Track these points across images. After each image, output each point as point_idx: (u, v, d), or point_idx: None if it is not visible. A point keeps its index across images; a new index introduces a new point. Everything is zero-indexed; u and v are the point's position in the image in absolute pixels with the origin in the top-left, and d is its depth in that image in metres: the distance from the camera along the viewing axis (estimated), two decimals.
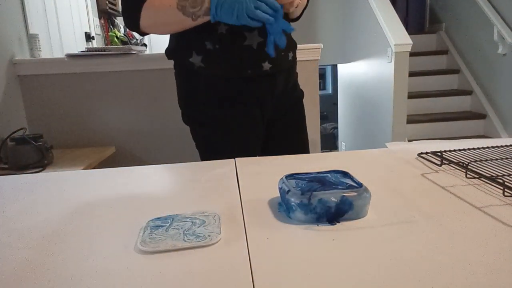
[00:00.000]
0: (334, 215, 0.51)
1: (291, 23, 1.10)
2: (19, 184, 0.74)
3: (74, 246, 0.47)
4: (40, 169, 1.46)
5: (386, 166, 0.76)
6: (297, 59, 1.13)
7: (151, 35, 1.01)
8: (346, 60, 4.38)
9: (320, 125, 2.09)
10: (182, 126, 1.10)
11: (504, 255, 0.42)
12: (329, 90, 7.52)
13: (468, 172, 0.66)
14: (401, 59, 3.21)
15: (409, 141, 2.86)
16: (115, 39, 3.17)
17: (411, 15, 5.35)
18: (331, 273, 0.39)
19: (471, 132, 3.76)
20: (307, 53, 1.90)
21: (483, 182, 0.64)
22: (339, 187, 0.53)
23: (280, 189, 0.56)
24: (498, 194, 0.59)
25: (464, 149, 0.81)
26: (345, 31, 4.29)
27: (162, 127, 1.97)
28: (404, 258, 0.42)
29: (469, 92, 3.94)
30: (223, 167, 0.79)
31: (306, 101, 1.17)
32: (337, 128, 5.65)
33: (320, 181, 0.56)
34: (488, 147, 0.82)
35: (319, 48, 1.92)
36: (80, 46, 2.58)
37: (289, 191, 0.53)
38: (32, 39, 1.92)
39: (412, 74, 3.77)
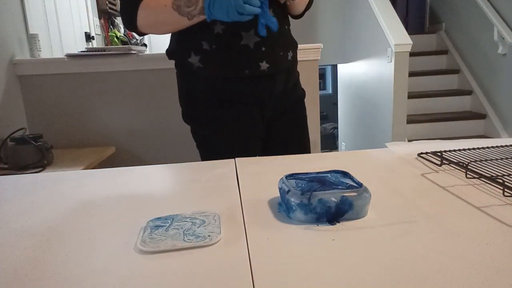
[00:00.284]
0: (334, 215, 0.51)
1: (294, 20, 1.10)
2: (19, 184, 0.74)
3: (74, 246, 0.47)
4: (40, 169, 1.46)
5: (386, 166, 0.76)
6: (297, 59, 1.12)
7: (151, 35, 1.01)
8: (346, 60, 4.38)
9: (320, 125, 2.10)
10: (182, 126, 1.10)
11: (504, 255, 0.42)
12: (329, 90, 7.52)
13: (468, 172, 0.66)
14: (401, 59, 3.21)
15: (409, 141, 2.86)
16: (115, 39, 3.17)
17: (411, 15, 5.35)
18: (331, 273, 0.39)
19: (471, 132, 3.76)
20: (307, 53, 1.90)
21: (483, 182, 0.64)
22: (339, 187, 0.53)
23: (280, 189, 0.56)
24: (498, 194, 0.59)
25: (464, 149, 0.81)
26: (345, 31, 4.29)
27: (162, 127, 1.97)
28: (404, 258, 0.42)
29: (469, 92, 3.94)
30: (223, 167, 0.79)
31: (306, 101, 1.17)
32: (337, 128, 5.65)
33: (320, 181, 0.56)
34: (488, 147, 0.82)
35: (319, 48, 1.92)
36: (80, 46, 2.58)
37: (289, 191, 0.53)
38: (32, 39, 1.92)
39: (412, 74, 3.77)
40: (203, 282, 0.39)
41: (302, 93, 1.16)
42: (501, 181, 0.58)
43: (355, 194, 0.51)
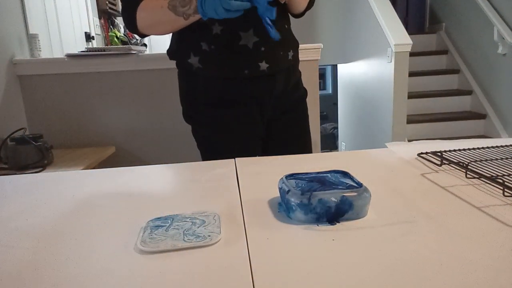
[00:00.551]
0: (334, 215, 0.51)
1: (294, 20, 1.09)
2: (19, 184, 0.74)
3: (74, 246, 0.47)
4: (40, 169, 1.46)
5: (386, 166, 0.76)
6: (299, 58, 1.12)
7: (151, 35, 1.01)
8: (346, 60, 4.38)
9: (320, 125, 2.10)
10: (182, 126, 1.10)
11: (504, 255, 0.42)
12: (329, 90, 7.52)
13: (468, 172, 0.66)
14: (401, 59, 3.21)
15: (409, 141, 2.86)
16: (115, 39, 3.17)
17: (411, 15, 5.36)
18: (331, 273, 0.39)
19: (471, 132, 3.76)
20: (307, 53, 1.90)
21: (483, 182, 0.64)
22: (339, 187, 0.53)
23: (280, 189, 0.56)
24: (498, 194, 0.59)
25: (464, 149, 0.81)
26: (345, 31, 4.29)
27: (162, 127, 1.97)
28: (404, 258, 0.42)
29: (469, 92, 3.94)
30: (223, 167, 0.79)
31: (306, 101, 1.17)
32: (337, 128, 5.65)
33: (320, 181, 0.56)
34: (488, 147, 0.82)
35: (319, 48, 1.92)
36: (80, 46, 2.58)
37: (289, 191, 0.53)
38: (32, 39, 1.92)
39: (412, 74, 3.77)
40: (203, 282, 0.39)
41: (304, 93, 1.15)
42: (501, 181, 0.58)
43: (355, 194, 0.51)
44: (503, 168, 0.68)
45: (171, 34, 1.05)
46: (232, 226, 0.51)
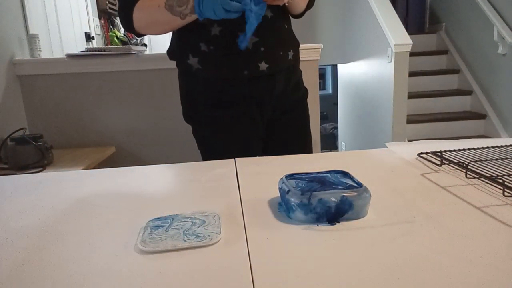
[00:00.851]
0: (334, 215, 0.51)
1: (294, 20, 1.09)
2: (19, 184, 0.74)
3: (74, 246, 0.47)
4: (40, 169, 1.46)
5: (386, 166, 0.76)
6: (299, 58, 1.12)
7: (151, 35, 1.01)
8: (346, 60, 4.38)
9: (320, 125, 2.10)
10: (182, 126, 1.10)
11: (504, 255, 0.42)
12: (329, 90, 7.52)
13: (468, 172, 0.66)
14: (401, 59, 3.21)
15: (409, 141, 2.86)
16: (115, 39, 3.17)
17: (411, 15, 5.36)
18: (331, 273, 0.39)
19: (471, 132, 3.76)
20: (307, 53, 1.90)
21: (483, 182, 0.64)
22: (339, 187, 0.53)
23: (280, 189, 0.56)
24: (498, 194, 0.59)
25: (464, 149, 0.81)
26: (345, 31, 4.29)
27: (162, 127, 1.97)
28: (404, 258, 0.42)
29: (469, 92, 3.94)
30: (223, 167, 0.79)
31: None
32: (337, 128, 5.65)
33: (320, 181, 0.56)
34: (488, 147, 0.82)
35: (319, 48, 1.92)
36: (80, 46, 2.58)
37: (289, 191, 0.53)
38: (32, 39, 1.92)
39: (412, 74, 3.77)
40: (203, 282, 0.39)
41: (305, 93, 1.15)
42: (501, 181, 0.58)
43: (355, 194, 0.51)
44: (503, 168, 0.68)
45: (171, 34, 1.05)
46: (232, 226, 0.51)
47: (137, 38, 3.29)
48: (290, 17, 1.09)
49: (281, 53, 1.02)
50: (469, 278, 0.38)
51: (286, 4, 0.94)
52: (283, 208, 0.55)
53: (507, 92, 3.45)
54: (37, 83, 1.87)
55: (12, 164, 1.46)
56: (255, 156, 0.97)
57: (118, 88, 1.92)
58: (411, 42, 3.18)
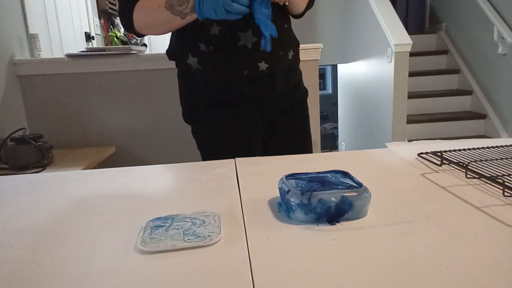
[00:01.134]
0: (334, 215, 0.51)
1: (294, 20, 1.09)
2: (19, 184, 0.74)
3: (74, 246, 0.47)
4: (40, 169, 1.46)
5: (386, 166, 0.76)
6: (300, 58, 1.12)
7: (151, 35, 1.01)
8: (346, 60, 4.37)
9: (320, 125, 2.10)
10: (182, 126, 1.10)
11: (504, 255, 0.42)
12: (329, 90, 7.52)
13: (468, 172, 0.66)
14: (401, 59, 3.21)
15: (409, 141, 2.86)
16: (115, 39, 3.17)
17: (411, 15, 5.35)
18: (331, 273, 0.39)
19: (471, 132, 3.76)
20: (307, 53, 1.90)
21: (483, 182, 0.64)
22: (339, 187, 0.53)
23: (280, 189, 0.56)
24: (498, 194, 0.59)
25: (464, 149, 0.81)
26: (345, 31, 4.29)
27: (162, 127, 1.97)
28: (404, 258, 0.42)
29: (469, 92, 3.94)
30: (223, 167, 0.79)
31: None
32: (337, 128, 5.65)
33: (320, 181, 0.56)
34: (488, 147, 0.82)
35: (319, 48, 1.92)
36: (80, 46, 2.58)
37: (289, 191, 0.53)
38: (32, 39, 1.92)
39: (412, 74, 3.77)
40: (203, 282, 0.39)
41: (305, 93, 1.15)
42: (501, 181, 0.58)
43: (355, 194, 0.51)
44: (503, 168, 0.68)
45: (170, 34, 1.04)
46: (232, 226, 0.51)
47: (137, 38, 3.29)
48: (290, 17, 1.09)
49: (281, 53, 1.02)
50: (469, 278, 0.38)
51: (287, 3, 0.94)
52: (283, 208, 0.55)
53: (507, 92, 3.45)
54: (37, 83, 1.87)
55: (12, 164, 1.46)
56: (255, 156, 0.97)
57: (118, 88, 1.92)
58: (411, 42, 3.18)
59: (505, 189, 0.57)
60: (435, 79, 4.13)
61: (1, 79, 1.72)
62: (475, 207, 0.55)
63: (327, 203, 0.50)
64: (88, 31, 2.77)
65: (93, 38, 2.82)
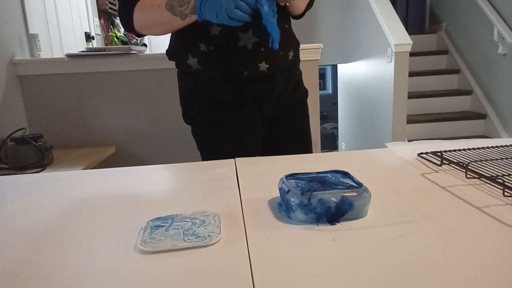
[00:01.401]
0: (334, 215, 0.51)
1: (294, 20, 1.09)
2: (19, 184, 0.74)
3: (74, 246, 0.47)
4: (40, 169, 1.46)
5: (386, 166, 0.76)
6: (300, 58, 1.12)
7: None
8: (346, 60, 4.38)
9: (320, 125, 2.10)
10: (182, 126, 1.10)
11: (504, 255, 0.42)
12: (329, 90, 7.52)
13: (468, 172, 0.66)
14: (401, 59, 3.21)
15: (409, 141, 2.86)
16: (115, 39, 3.17)
17: (411, 15, 5.36)
18: (331, 273, 0.39)
19: (471, 132, 3.76)
20: (307, 53, 1.90)
21: (483, 182, 0.64)
22: (339, 187, 0.53)
23: (280, 189, 0.56)
24: (498, 194, 0.59)
25: (464, 149, 0.81)
26: (345, 31, 4.29)
27: (162, 127, 1.97)
28: (404, 258, 0.42)
29: (469, 92, 3.94)
30: (223, 167, 0.79)
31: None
32: (337, 128, 5.65)
33: (320, 181, 0.56)
34: (488, 147, 0.82)
35: (319, 48, 1.92)
36: (80, 46, 2.58)
37: (289, 191, 0.53)
38: (32, 39, 1.92)
39: (412, 74, 3.77)
40: (203, 282, 0.39)
41: (305, 93, 1.15)
42: (501, 181, 0.58)
43: (355, 194, 0.51)
44: (503, 168, 0.68)
45: (170, 35, 1.04)
46: (232, 226, 0.51)
47: (137, 38, 3.29)
48: (290, 17, 1.09)
49: (281, 53, 1.02)
50: (469, 278, 0.38)
51: (287, 4, 0.94)
52: (283, 208, 0.55)
53: (507, 92, 3.45)
54: (37, 83, 1.87)
55: (12, 164, 1.46)
56: (255, 156, 0.97)
57: (118, 88, 1.92)
58: (411, 42, 3.18)
59: (505, 189, 0.57)
60: (435, 79, 4.13)
61: (1, 79, 1.72)
62: (475, 207, 0.55)
63: (327, 203, 0.50)
64: (88, 31, 2.77)
65: (93, 38, 2.82)
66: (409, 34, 3.26)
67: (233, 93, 1.00)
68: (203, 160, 1.05)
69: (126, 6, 0.94)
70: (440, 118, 3.76)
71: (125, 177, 0.75)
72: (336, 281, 0.38)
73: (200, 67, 0.98)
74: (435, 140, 0.93)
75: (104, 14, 3.17)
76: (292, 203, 0.51)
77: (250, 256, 0.43)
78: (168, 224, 0.51)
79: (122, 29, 3.47)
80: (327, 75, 7.60)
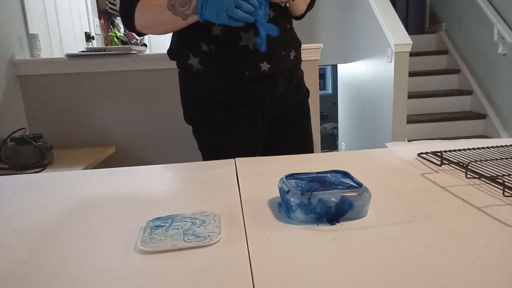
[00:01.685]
0: (334, 215, 0.51)
1: (295, 21, 1.09)
2: (19, 184, 0.74)
3: (74, 246, 0.47)
4: (40, 169, 1.46)
5: (386, 166, 0.76)
6: (301, 58, 1.12)
7: (151, 35, 1.01)
8: (346, 60, 4.38)
9: (320, 125, 2.10)
10: (182, 126, 1.10)
11: (504, 255, 0.42)
12: (329, 90, 7.52)
13: (468, 172, 0.66)
14: (401, 59, 3.21)
15: (409, 141, 2.86)
16: (115, 39, 3.17)
17: (411, 15, 5.35)
18: (331, 273, 0.39)
19: (471, 132, 3.76)
20: (307, 53, 1.90)
21: (483, 182, 0.64)
22: (339, 187, 0.53)
23: (280, 189, 0.56)
24: (498, 194, 0.59)
25: (464, 149, 0.81)
26: (345, 31, 4.29)
27: (162, 127, 1.97)
28: (404, 258, 0.42)
29: (469, 92, 3.94)
30: (223, 167, 0.79)
31: None
32: (337, 128, 5.65)
33: (320, 181, 0.56)
34: (488, 147, 0.82)
35: (319, 48, 1.92)
36: (80, 46, 2.58)
37: (289, 191, 0.53)
38: (32, 39, 1.92)
39: (412, 74, 3.77)
40: (203, 282, 0.39)
41: (306, 93, 1.14)
42: (501, 181, 0.58)
43: (355, 194, 0.51)
44: (503, 168, 0.68)
45: (171, 34, 1.04)
46: (232, 226, 0.51)
47: (138, 38, 3.29)
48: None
49: (283, 53, 1.01)
50: (469, 278, 0.38)
51: (288, 5, 0.93)
52: (283, 208, 0.55)
53: (507, 92, 3.45)
54: (37, 83, 1.87)
55: (12, 164, 1.46)
56: (256, 156, 0.97)
57: (118, 88, 1.92)
58: (411, 42, 3.18)
59: (505, 189, 0.57)
60: (435, 79, 4.13)
61: (1, 79, 1.72)
62: (475, 207, 0.55)
63: (327, 203, 0.50)
64: (88, 31, 2.77)
65: (93, 38, 2.82)
66: (409, 34, 3.26)
67: (234, 93, 1.00)
68: (204, 160, 1.05)
69: (127, 5, 0.94)
70: (440, 118, 3.76)
71: (125, 177, 0.75)
72: (336, 281, 0.38)
73: (202, 67, 0.98)
74: (435, 140, 0.93)
75: (104, 14, 3.17)
76: (292, 203, 0.51)
77: (250, 256, 0.43)
78: (168, 224, 0.51)
79: (122, 29, 3.47)
80: (327, 75, 7.60)
